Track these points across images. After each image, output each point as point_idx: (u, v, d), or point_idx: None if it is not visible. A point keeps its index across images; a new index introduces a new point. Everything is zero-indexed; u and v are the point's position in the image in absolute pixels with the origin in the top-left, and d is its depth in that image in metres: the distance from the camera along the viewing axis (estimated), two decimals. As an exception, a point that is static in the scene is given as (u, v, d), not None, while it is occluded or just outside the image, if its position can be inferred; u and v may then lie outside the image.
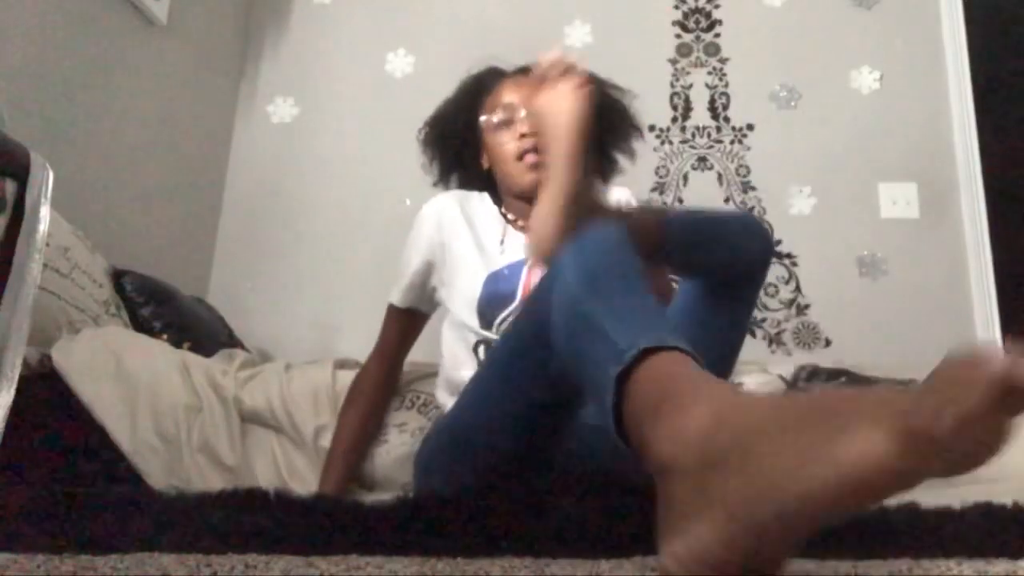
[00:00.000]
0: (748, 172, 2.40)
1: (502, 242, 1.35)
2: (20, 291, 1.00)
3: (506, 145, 1.34)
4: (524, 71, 1.39)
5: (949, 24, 2.42)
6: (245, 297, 2.43)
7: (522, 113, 1.32)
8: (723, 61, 2.49)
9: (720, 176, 2.40)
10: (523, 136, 1.30)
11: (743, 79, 2.47)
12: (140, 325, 1.67)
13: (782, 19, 2.49)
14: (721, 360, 1.11)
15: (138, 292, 1.72)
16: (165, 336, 1.65)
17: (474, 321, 1.27)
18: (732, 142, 2.42)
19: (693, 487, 0.47)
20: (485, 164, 1.42)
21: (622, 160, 1.48)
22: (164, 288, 1.81)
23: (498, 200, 1.43)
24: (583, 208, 1.00)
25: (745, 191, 2.38)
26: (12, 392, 0.98)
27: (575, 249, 0.84)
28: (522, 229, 1.36)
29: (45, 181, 1.07)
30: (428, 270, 1.38)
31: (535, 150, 1.27)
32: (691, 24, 2.53)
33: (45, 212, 1.06)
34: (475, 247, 1.34)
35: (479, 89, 1.43)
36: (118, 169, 2.02)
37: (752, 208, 2.37)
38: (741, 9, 2.53)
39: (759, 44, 2.48)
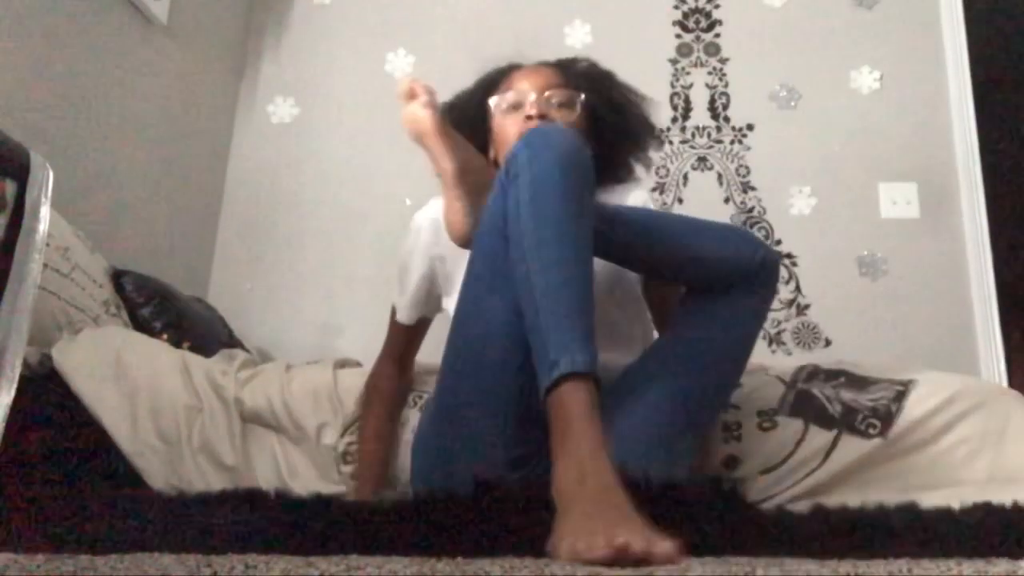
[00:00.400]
0: (748, 172, 2.40)
1: None
2: (20, 291, 1.00)
3: (510, 127, 1.31)
4: (538, 62, 1.40)
5: (949, 24, 2.42)
6: (245, 297, 2.43)
7: (531, 97, 1.30)
8: (723, 61, 2.49)
9: (720, 176, 2.40)
10: (529, 118, 1.27)
11: (743, 79, 2.47)
12: (140, 325, 1.67)
13: (782, 19, 2.49)
14: (719, 369, 1.11)
15: (138, 292, 1.72)
16: (165, 336, 1.65)
17: None
18: (732, 142, 2.42)
19: (560, 518, 0.74)
20: (492, 154, 1.40)
21: (638, 169, 1.47)
22: (164, 288, 1.81)
23: None
24: (475, 184, 1.12)
25: (745, 191, 2.38)
26: (12, 392, 0.98)
27: (528, 160, 0.95)
28: None
29: (45, 181, 1.07)
30: (431, 279, 1.37)
31: None
32: (691, 24, 2.53)
33: (45, 212, 1.06)
34: None
35: (494, 80, 1.42)
36: (118, 169, 2.02)
37: (752, 208, 2.37)
38: (741, 9, 2.53)
39: (759, 44, 2.48)
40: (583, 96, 1.33)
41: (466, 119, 1.42)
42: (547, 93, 1.31)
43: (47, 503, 0.88)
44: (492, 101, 1.36)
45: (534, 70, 1.36)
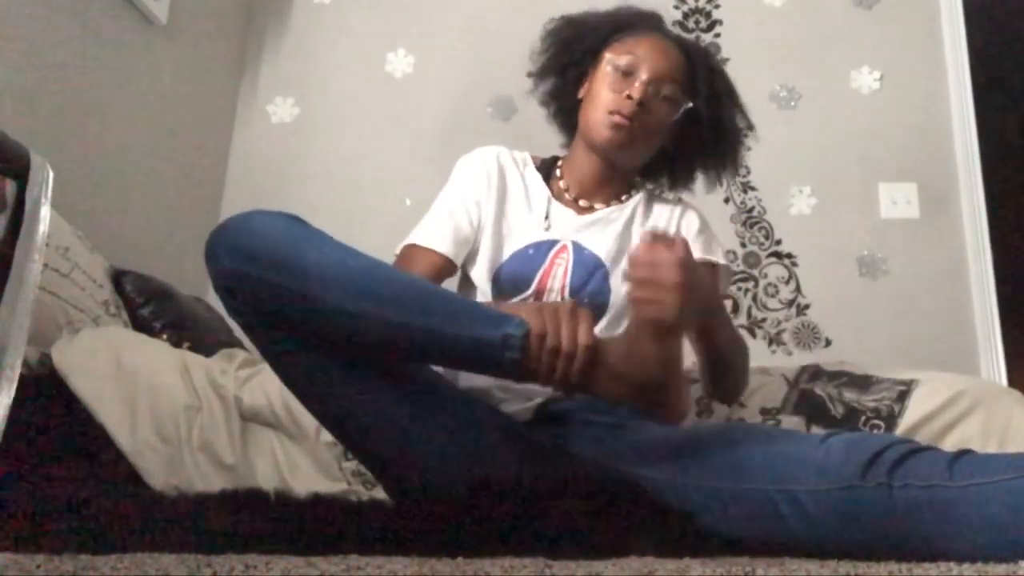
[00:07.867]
0: (748, 172, 2.39)
1: (547, 217, 1.27)
2: (20, 291, 1.00)
3: (606, 93, 1.23)
4: (675, 39, 1.31)
5: (949, 24, 2.42)
6: (245, 297, 2.42)
7: (644, 76, 1.21)
8: (723, 61, 2.48)
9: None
10: (629, 97, 1.20)
11: (743, 79, 2.45)
12: (140, 325, 1.67)
13: (782, 19, 2.49)
14: None
15: (138, 292, 1.72)
16: (165, 336, 1.65)
17: (487, 290, 1.20)
18: (732, 142, 2.42)
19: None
20: (581, 93, 1.32)
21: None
22: (164, 288, 1.81)
23: (547, 168, 1.35)
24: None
25: (745, 191, 2.38)
26: (12, 392, 0.98)
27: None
28: (574, 200, 1.29)
29: (45, 181, 1.07)
30: (476, 224, 1.26)
31: (628, 117, 1.20)
32: (691, 24, 2.53)
33: (45, 212, 1.06)
34: (522, 212, 1.26)
35: (624, 25, 1.32)
36: (118, 169, 2.02)
37: (752, 208, 2.37)
38: (741, 9, 2.53)
39: (759, 44, 2.48)
40: (690, 104, 1.27)
41: (580, 45, 1.34)
42: (660, 83, 1.22)
43: (47, 503, 0.87)
44: (607, 55, 1.26)
45: (662, 50, 1.25)
